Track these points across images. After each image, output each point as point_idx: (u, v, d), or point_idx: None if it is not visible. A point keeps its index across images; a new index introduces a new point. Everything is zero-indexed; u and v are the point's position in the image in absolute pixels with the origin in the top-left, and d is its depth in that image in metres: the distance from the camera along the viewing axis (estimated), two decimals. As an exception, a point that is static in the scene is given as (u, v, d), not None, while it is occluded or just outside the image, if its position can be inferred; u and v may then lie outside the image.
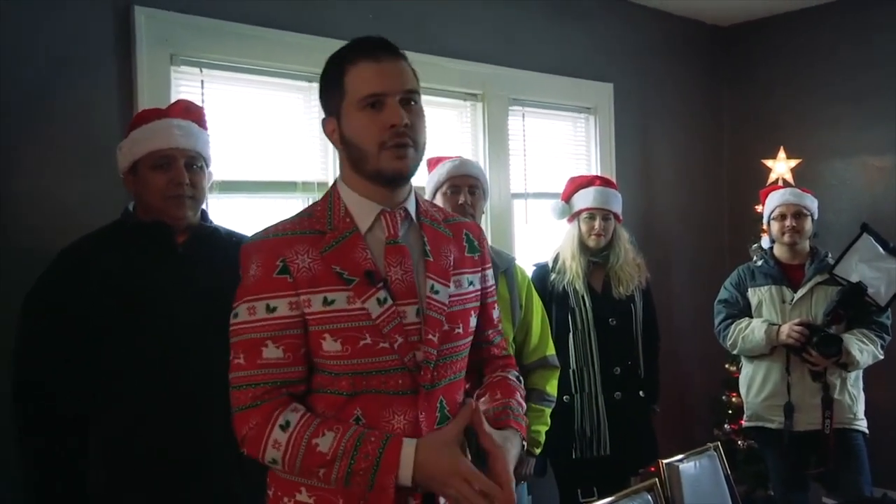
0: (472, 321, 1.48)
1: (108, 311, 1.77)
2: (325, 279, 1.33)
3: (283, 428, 1.30)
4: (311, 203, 1.52)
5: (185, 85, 2.60)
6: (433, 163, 2.48)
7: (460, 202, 2.34)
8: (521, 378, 1.62)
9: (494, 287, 1.59)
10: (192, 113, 1.99)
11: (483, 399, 1.51)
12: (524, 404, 1.55)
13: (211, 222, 2.01)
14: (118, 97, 2.43)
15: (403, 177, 1.38)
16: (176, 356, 1.78)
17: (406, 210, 1.43)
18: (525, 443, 1.51)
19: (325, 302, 1.33)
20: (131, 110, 2.44)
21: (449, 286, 1.41)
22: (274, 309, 1.33)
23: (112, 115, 2.40)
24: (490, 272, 1.56)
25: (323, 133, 1.45)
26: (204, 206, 2.00)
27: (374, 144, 1.34)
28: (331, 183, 2.85)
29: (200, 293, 1.82)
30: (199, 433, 1.79)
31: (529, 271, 3.06)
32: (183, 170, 1.87)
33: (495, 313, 1.59)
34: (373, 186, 1.38)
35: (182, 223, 1.90)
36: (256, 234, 1.40)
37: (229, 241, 1.95)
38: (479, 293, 1.51)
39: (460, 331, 1.43)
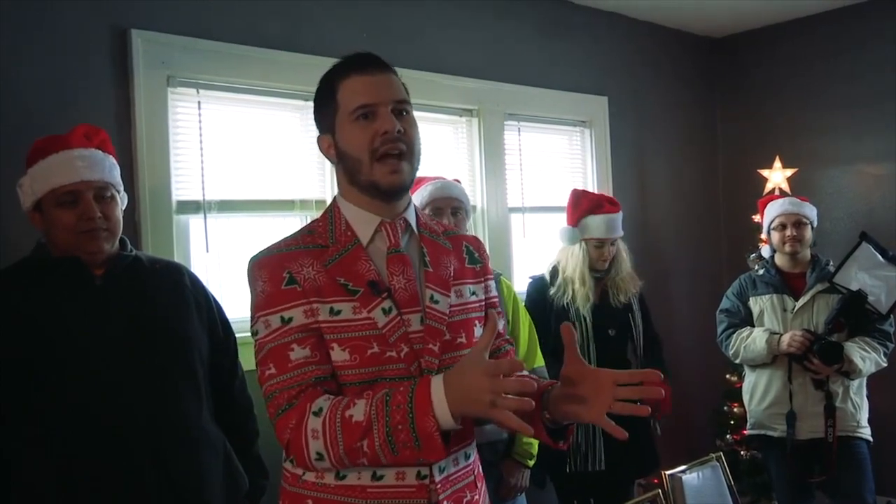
0: (476, 331, 1.48)
1: (25, 353, 1.67)
2: (331, 290, 1.34)
3: (317, 414, 1.27)
4: (309, 221, 1.52)
5: (182, 106, 2.62)
6: (416, 184, 2.48)
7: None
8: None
9: (498, 298, 1.59)
10: (93, 139, 1.86)
11: None
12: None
13: (132, 251, 1.89)
14: (116, 120, 2.44)
15: (398, 190, 1.40)
16: (99, 393, 1.70)
17: (406, 220, 1.44)
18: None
19: (332, 312, 1.34)
20: (130, 133, 2.46)
21: (449, 296, 1.42)
22: (290, 319, 1.33)
23: (110, 137, 2.40)
24: (492, 283, 1.57)
25: (319, 151, 1.46)
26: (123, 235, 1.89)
27: (366, 152, 1.35)
28: (328, 200, 2.90)
29: (123, 326, 1.75)
30: (131, 472, 1.71)
31: (527, 284, 3.07)
32: (93, 204, 1.76)
33: (500, 323, 1.58)
34: (370, 199, 1.40)
35: (99, 257, 1.79)
36: (260, 251, 1.41)
37: (153, 269, 1.89)
38: (482, 303, 1.51)
39: (463, 340, 1.43)
